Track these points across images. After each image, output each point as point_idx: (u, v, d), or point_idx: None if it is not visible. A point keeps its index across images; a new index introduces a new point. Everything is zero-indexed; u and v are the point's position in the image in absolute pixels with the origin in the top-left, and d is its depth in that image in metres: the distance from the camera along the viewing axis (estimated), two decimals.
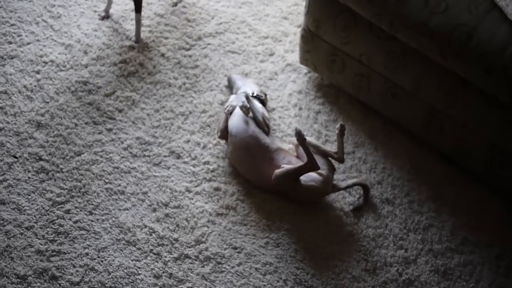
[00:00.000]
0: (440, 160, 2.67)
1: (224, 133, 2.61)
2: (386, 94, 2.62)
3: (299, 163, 2.37)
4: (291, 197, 2.45)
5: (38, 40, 2.99)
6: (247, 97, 2.57)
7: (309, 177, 2.38)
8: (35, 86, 2.81)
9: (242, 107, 2.54)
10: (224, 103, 2.83)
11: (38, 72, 2.86)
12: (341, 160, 2.42)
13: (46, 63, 2.90)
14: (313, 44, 2.75)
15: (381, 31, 2.46)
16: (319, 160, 2.38)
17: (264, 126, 2.55)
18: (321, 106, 2.86)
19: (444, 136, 2.54)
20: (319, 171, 2.38)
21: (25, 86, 2.80)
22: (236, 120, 2.57)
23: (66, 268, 2.25)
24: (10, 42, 2.96)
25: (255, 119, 2.55)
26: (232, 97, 2.68)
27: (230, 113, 2.61)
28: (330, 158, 2.46)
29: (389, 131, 2.77)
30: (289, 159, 2.44)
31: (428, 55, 2.34)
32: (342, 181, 2.54)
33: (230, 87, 2.85)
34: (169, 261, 2.31)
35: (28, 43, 2.97)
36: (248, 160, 2.50)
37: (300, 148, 2.46)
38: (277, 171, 2.38)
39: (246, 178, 2.53)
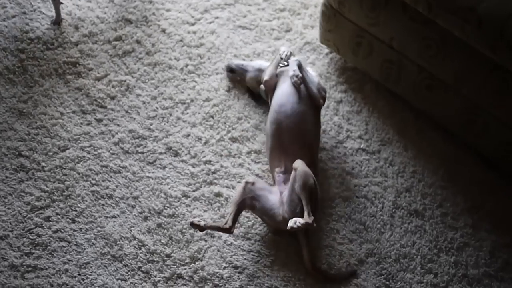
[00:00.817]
0: (480, 164, 2.27)
1: (271, 81, 2.19)
2: (420, 85, 2.21)
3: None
4: None
5: (24, 13, 2.64)
6: (299, 66, 2.14)
7: (268, 206, 2.03)
8: (18, 67, 2.48)
9: (292, 77, 2.10)
10: (231, 89, 2.46)
11: (22, 51, 2.52)
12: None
13: (31, 40, 2.56)
14: (335, 23, 2.33)
15: (417, 13, 2.02)
16: (292, 204, 1.98)
17: (319, 100, 2.15)
18: (343, 94, 2.46)
19: (488, 139, 2.14)
20: (282, 213, 2.00)
21: (7, 68, 2.48)
22: (284, 91, 2.14)
23: None
24: None
25: (308, 91, 2.14)
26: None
27: (286, 59, 2.18)
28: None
29: (421, 127, 2.36)
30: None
31: (474, 46, 1.91)
32: None
33: (238, 73, 2.44)
34: (159, 281, 2.02)
35: (13, 16, 2.62)
36: (278, 144, 2.10)
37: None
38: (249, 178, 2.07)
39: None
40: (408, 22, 2.08)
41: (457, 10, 1.86)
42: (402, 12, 2.07)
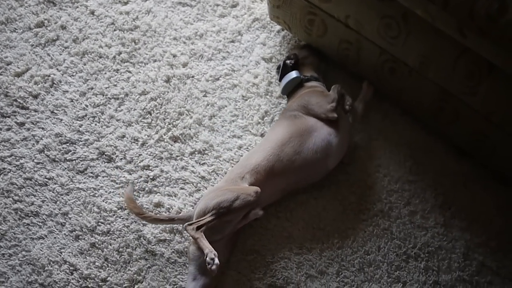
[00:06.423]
0: (453, 153, 2.03)
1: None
2: (382, 68, 1.94)
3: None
4: None
5: None
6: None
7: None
8: None
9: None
10: (171, 79, 2.17)
11: None
12: None
13: None
14: None
15: None
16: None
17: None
18: None
19: (460, 127, 1.89)
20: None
21: None
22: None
23: None
24: None
25: None
26: None
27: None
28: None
29: (386, 112, 2.10)
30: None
31: (440, 28, 1.63)
32: None
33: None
34: None
35: None
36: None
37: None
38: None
39: None
40: None
41: None
42: None
